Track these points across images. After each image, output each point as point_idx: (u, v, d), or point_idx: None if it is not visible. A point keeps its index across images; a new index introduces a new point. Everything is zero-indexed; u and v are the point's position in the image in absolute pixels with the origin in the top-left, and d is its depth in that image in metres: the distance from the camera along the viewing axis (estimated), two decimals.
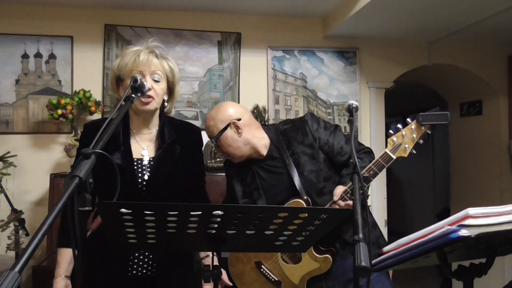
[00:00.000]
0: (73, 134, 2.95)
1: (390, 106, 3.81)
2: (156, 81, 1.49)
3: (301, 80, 3.41)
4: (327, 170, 1.77)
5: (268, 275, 1.80)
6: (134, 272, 1.49)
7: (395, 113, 6.54)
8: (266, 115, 3.22)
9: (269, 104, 3.33)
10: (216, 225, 1.01)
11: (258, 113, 3.17)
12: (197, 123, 3.13)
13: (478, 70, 3.77)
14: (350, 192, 1.59)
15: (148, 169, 1.50)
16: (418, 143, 1.58)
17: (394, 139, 1.58)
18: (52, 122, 2.88)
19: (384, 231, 3.43)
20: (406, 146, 1.57)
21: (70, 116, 2.84)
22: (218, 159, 3.07)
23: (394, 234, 2.41)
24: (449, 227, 0.95)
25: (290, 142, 1.78)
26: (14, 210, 2.57)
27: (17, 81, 3.02)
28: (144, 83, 1.35)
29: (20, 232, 2.53)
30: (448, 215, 1.00)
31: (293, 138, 1.78)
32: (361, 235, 0.96)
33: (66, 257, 1.47)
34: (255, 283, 1.83)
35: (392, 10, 2.84)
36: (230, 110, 1.78)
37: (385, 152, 1.59)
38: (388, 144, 1.59)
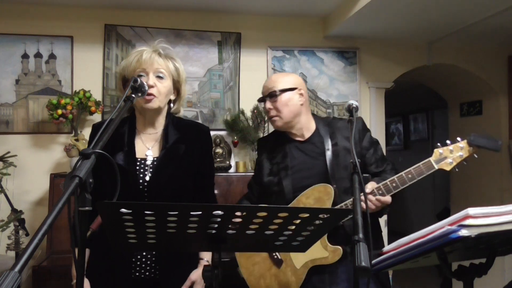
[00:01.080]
0: (73, 134, 2.95)
1: (390, 106, 3.81)
2: (160, 78, 1.49)
3: None
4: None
5: (273, 253, 1.78)
6: (137, 274, 1.48)
7: (395, 113, 6.54)
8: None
9: None
10: (216, 225, 1.01)
11: (258, 113, 3.17)
12: None
13: (478, 70, 3.77)
14: (382, 189, 1.60)
15: (151, 170, 1.50)
16: (462, 164, 1.59)
17: (441, 151, 1.60)
18: (52, 122, 2.88)
19: (384, 231, 3.43)
20: (451, 161, 1.58)
21: (70, 116, 2.83)
22: (218, 159, 3.08)
23: (394, 234, 2.41)
24: (449, 227, 0.96)
25: (335, 133, 1.79)
26: (14, 210, 2.57)
27: (17, 81, 3.02)
28: (144, 83, 1.35)
29: (20, 232, 2.53)
30: (448, 215, 1.00)
31: (339, 131, 1.80)
32: (361, 235, 0.96)
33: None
34: (255, 256, 1.81)
35: (392, 10, 2.84)
36: (301, 81, 1.84)
37: (429, 160, 1.60)
38: (434, 154, 1.61)
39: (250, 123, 3.17)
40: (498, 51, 3.80)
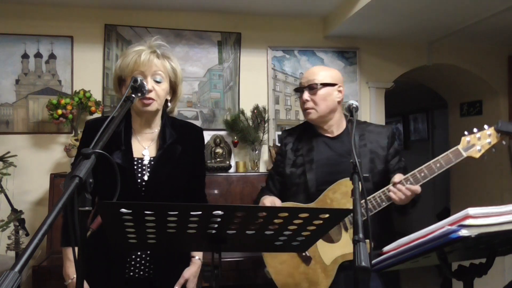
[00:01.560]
0: (73, 134, 2.95)
1: (390, 106, 3.81)
2: (158, 82, 1.49)
3: None
4: (378, 178, 1.76)
5: None
6: (132, 273, 1.49)
7: (395, 113, 6.54)
8: (266, 115, 3.22)
9: (269, 104, 3.33)
10: (216, 225, 1.01)
11: (258, 113, 3.17)
12: (197, 123, 3.12)
13: (478, 70, 3.77)
14: (410, 180, 1.61)
15: (148, 169, 1.50)
16: (491, 151, 1.57)
17: (468, 139, 1.58)
18: (52, 122, 2.88)
19: None
20: (479, 148, 1.57)
21: (70, 116, 2.84)
22: (218, 159, 3.08)
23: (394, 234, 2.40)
24: (449, 227, 0.96)
25: (365, 135, 1.80)
26: (14, 210, 2.56)
27: (17, 81, 3.02)
28: (144, 83, 1.35)
29: (20, 232, 2.53)
30: (448, 215, 1.00)
31: (370, 134, 1.81)
32: (361, 235, 0.96)
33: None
34: (282, 255, 1.78)
35: (392, 10, 2.84)
36: (341, 78, 1.86)
37: (457, 148, 1.58)
38: (461, 142, 1.59)
39: (250, 123, 3.17)
40: (498, 51, 3.80)
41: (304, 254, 1.74)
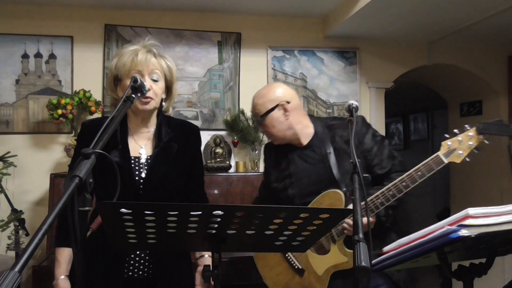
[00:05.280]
0: (73, 134, 2.95)
1: (390, 106, 3.81)
2: (155, 81, 1.49)
3: (301, 80, 3.41)
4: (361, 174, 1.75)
5: (292, 262, 1.78)
6: (130, 273, 1.49)
7: (395, 113, 6.54)
8: None
9: None
10: (216, 225, 1.01)
11: None
12: (197, 123, 3.12)
13: (478, 70, 3.77)
14: (392, 190, 1.58)
15: (145, 168, 1.50)
16: (473, 152, 1.53)
17: (449, 143, 1.54)
18: (52, 122, 2.88)
19: None
20: (461, 152, 1.52)
21: (70, 116, 2.84)
22: (218, 159, 3.07)
23: None
24: (449, 227, 0.96)
25: (335, 137, 1.76)
26: (14, 210, 2.56)
27: (17, 81, 3.02)
28: (144, 83, 1.35)
29: (20, 232, 2.53)
30: (448, 215, 1.00)
31: (338, 134, 1.76)
32: (361, 235, 0.96)
33: (65, 257, 1.47)
34: (277, 267, 1.81)
35: (392, 10, 2.84)
36: (281, 91, 1.77)
37: (437, 154, 1.55)
38: (442, 147, 1.55)
39: (250, 123, 3.16)
40: (498, 51, 3.80)
41: (297, 267, 1.77)
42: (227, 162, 3.09)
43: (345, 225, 1.65)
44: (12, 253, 2.60)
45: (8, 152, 2.72)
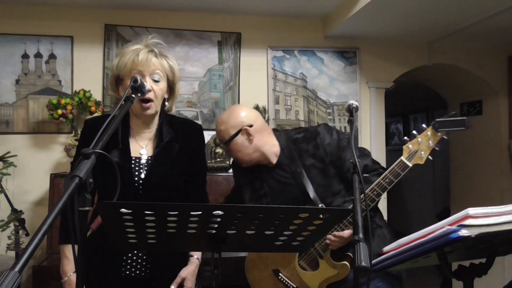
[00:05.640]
0: (73, 134, 2.95)
1: (390, 106, 3.81)
2: (156, 81, 1.49)
3: (301, 80, 3.41)
4: (336, 185, 1.75)
5: (286, 283, 1.79)
6: (128, 272, 1.49)
7: (395, 113, 6.54)
8: (266, 115, 3.22)
9: (269, 104, 3.33)
10: (216, 225, 1.01)
11: None
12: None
13: (478, 70, 3.77)
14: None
15: (146, 168, 1.50)
16: (435, 149, 1.55)
17: (410, 146, 1.56)
18: (52, 122, 2.88)
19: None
20: (422, 153, 1.54)
21: (70, 116, 2.84)
22: (218, 159, 3.07)
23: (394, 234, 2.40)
24: (449, 227, 0.96)
25: (301, 153, 1.75)
26: (14, 210, 2.57)
27: (17, 81, 3.02)
28: (144, 83, 1.35)
29: (20, 232, 2.53)
30: (448, 215, 1.00)
31: (303, 149, 1.75)
32: (361, 235, 0.96)
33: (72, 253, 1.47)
34: (270, 286, 1.83)
35: (392, 10, 2.84)
36: (242, 115, 1.75)
37: (401, 159, 1.56)
38: (403, 152, 1.56)
39: None
40: (498, 51, 3.80)
41: (291, 287, 1.79)
42: (227, 162, 3.09)
43: (327, 241, 1.67)
44: (12, 253, 2.61)
45: (8, 152, 2.72)
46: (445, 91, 4.47)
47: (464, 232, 0.93)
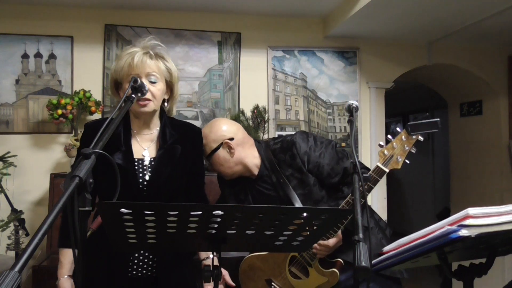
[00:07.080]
0: (73, 134, 2.95)
1: (390, 106, 3.81)
2: (152, 83, 1.49)
3: (301, 80, 3.41)
4: (317, 192, 1.76)
5: None
6: (135, 272, 1.49)
7: (395, 113, 6.54)
8: (266, 115, 3.23)
9: (269, 104, 3.33)
10: (216, 225, 1.01)
11: (258, 113, 3.17)
12: (197, 123, 3.13)
13: (478, 70, 3.77)
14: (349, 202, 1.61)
15: (149, 170, 1.50)
16: (411, 152, 1.55)
17: (385, 152, 1.56)
18: (52, 122, 2.88)
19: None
20: (398, 158, 1.55)
21: (70, 116, 2.83)
22: None
23: (394, 234, 2.41)
24: (449, 227, 0.96)
25: (280, 164, 1.77)
26: (14, 210, 2.56)
27: (17, 81, 3.02)
28: (144, 83, 1.35)
29: (20, 232, 2.53)
30: (448, 215, 1.01)
31: (281, 160, 1.77)
32: (361, 235, 0.96)
33: (68, 257, 1.48)
34: None
35: (392, 10, 2.84)
36: (223, 129, 1.76)
37: (377, 166, 1.57)
38: (379, 158, 1.57)
39: (250, 123, 3.17)
40: (498, 51, 3.80)
41: None
42: None
43: (314, 250, 1.68)
44: (12, 253, 2.60)
45: (8, 152, 2.72)
46: (445, 91, 4.47)
47: (464, 232, 0.93)
